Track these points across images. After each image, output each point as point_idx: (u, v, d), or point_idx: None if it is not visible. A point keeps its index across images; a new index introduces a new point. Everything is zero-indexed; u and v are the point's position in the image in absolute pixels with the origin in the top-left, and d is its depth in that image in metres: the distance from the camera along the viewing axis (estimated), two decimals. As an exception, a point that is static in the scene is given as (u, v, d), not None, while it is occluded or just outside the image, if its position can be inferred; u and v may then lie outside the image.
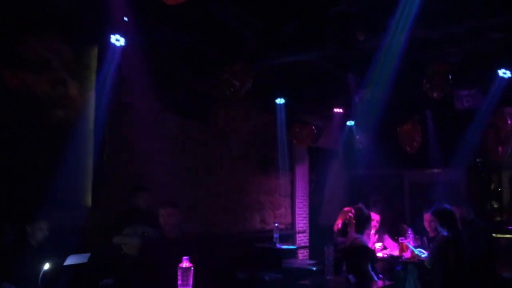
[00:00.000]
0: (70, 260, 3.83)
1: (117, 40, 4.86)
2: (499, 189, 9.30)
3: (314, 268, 6.15)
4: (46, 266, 3.49)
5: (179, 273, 2.81)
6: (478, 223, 5.15)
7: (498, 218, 8.90)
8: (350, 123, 9.07)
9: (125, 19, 4.63)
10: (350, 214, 6.17)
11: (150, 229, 4.55)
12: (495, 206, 9.19)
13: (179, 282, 2.81)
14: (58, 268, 3.70)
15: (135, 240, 4.45)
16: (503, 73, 5.86)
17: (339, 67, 6.71)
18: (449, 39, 5.32)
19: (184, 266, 2.82)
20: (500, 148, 6.76)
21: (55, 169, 4.81)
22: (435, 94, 5.66)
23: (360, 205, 4.70)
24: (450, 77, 5.51)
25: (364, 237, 4.66)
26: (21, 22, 4.60)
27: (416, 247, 5.24)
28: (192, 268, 2.82)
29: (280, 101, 7.66)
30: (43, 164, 4.74)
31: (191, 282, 2.81)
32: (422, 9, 4.61)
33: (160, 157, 6.10)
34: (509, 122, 6.52)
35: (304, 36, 5.60)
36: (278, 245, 6.27)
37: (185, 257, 2.86)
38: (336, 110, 8.51)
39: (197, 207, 6.67)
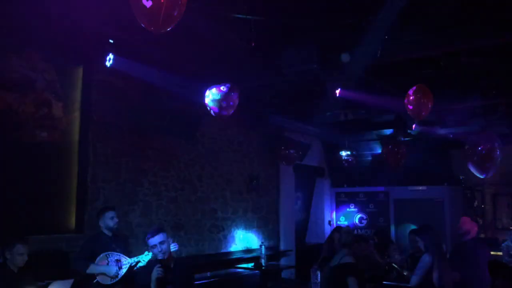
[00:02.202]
0: (53, 287, 3.73)
1: (104, 62, 4.79)
2: (482, 206, 9.43)
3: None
4: (28, 293, 3.41)
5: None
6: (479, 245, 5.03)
7: (482, 235, 8.99)
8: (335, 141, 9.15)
9: (111, 41, 4.63)
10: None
11: (124, 256, 4.35)
12: (479, 223, 9.30)
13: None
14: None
15: (111, 270, 4.24)
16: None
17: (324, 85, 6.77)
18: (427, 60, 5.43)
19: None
20: (481, 166, 6.85)
21: (37, 191, 4.74)
22: (418, 114, 5.74)
23: (349, 225, 4.72)
24: (432, 97, 5.61)
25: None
26: (3, 42, 4.56)
27: (401, 266, 5.26)
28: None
29: (265, 118, 7.67)
30: (24, 186, 4.66)
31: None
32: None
33: (147, 177, 6.06)
34: (490, 140, 6.61)
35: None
36: (264, 265, 6.22)
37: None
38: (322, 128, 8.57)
39: (184, 226, 6.62)
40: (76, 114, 5.23)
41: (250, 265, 6.53)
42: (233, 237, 7.53)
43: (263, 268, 6.29)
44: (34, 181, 4.74)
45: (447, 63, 5.35)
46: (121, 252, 4.39)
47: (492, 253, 6.34)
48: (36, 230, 4.55)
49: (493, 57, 5.26)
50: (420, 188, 9.33)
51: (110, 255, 4.30)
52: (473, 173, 6.09)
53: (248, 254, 7.47)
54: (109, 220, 4.49)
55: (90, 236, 4.61)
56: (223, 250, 7.27)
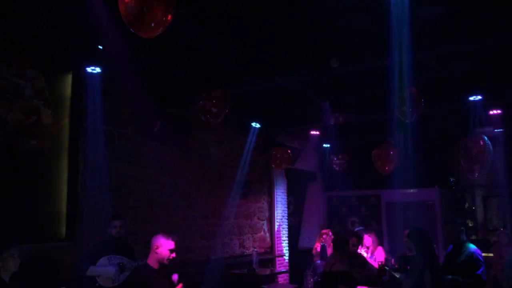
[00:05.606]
0: (43, 296, 3.70)
1: (93, 69, 4.82)
2: (473, 208, 9.50)
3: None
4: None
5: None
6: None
7: (473, 237, 9.06)
8: (326, 145, 9.17)
9: (100, 47, 4.61)
10: (324, 236, 6.20)
11: (127, 260, 4.42)
12: (470, 225, 9.37)
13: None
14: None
15: (110, 272, 4.31)
16: (474, 97, 6.05)
17: (314, 91, 6.80)
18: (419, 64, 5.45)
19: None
20: (472, 168, 6.92)
21: (26, 199, 4.69)
22: (408, 117, 5.78)
23: (337, 228, 4.74)
24: (422, 100, 5.65)
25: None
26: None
27: (394, 269, 5.27)
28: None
29: (256, 124, 7.69)
30: (14, 195, 4.61)
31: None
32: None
33: (138, 183, 6.02)
34: (480, 143, 6.69)
35: (279, 62, 5.67)
36: (257, 271, 6.21)
37: None
38: (313, 132, 8.58)
39: (174, 232, 6.57)
40: (66, 121, 5.19)
41: (243, 270, 6.50)
42: (224, 243, 7.50)
43: (256, 273, 6.27)
44: (24, 189, 4.69)
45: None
46: (126, 257, 4.42)
47: (483, 254, 6.38)
48: (26, 239, 4.50)
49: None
50: (411, 190, 9.39)
51: (112, 258, 4.37)
52: (463, 175, 6.16)
53: (241, 259, 7.45)
54: (117, 228, 4.62)
55: (96, 241, 4.68)
56: (214, 257, 7.23)
